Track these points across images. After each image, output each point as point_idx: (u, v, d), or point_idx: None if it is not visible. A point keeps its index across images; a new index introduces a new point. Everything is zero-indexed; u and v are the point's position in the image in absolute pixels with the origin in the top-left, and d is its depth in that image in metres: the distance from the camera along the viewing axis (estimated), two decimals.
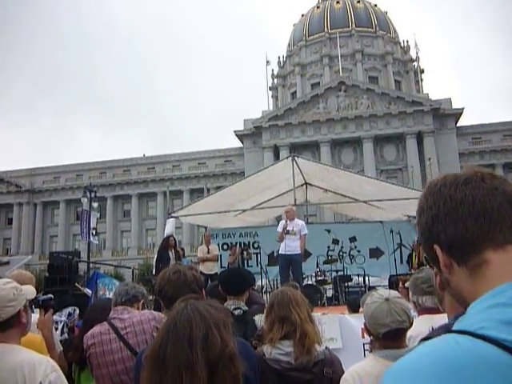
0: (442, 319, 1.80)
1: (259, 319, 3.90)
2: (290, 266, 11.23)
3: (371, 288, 11.43)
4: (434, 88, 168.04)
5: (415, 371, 0.81)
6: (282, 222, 11.44)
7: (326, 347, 3.16)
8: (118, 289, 3.61)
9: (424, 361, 0.82)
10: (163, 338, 1.53)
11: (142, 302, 3.52)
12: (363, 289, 12.89)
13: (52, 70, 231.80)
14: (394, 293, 2.82)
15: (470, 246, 0.97)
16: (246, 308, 3.89)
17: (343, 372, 2.94)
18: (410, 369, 0.83)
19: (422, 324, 2.95)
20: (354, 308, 7.35)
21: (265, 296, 10.61)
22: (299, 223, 11.54)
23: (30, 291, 2.77)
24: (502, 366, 0.76)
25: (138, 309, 3.43)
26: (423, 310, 3.34)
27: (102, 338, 3.16)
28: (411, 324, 2.70)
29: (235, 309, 3.66)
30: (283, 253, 11.22)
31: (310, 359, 2.94)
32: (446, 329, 1.61)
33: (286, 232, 11.13)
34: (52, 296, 3.68)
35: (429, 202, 1.03)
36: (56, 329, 4.40)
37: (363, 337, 5.29)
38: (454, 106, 63.10)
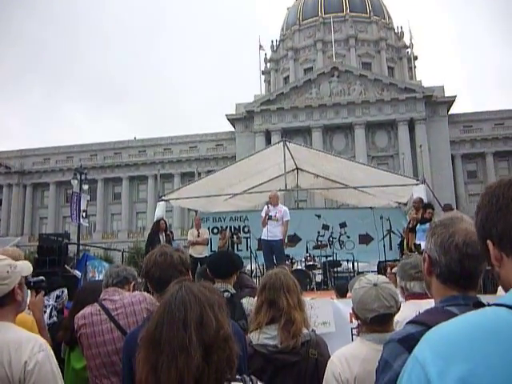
0: (428, 304, 1.82)
1: (247, 302, 3.93)
2: (272, 251, 11.29)
3: (360, 273, 11.52)
4: (427, 75, 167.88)
5: (451, 334, 0.90)
6: (265, 207, 11.47)
7: (313, 330, 3.20)
8: (108, 270, 3.62)
9: (461, 326, 0.91)
10: (158, 320, 1.54)
11: (132, 283, 3.54)
12: (352, 274, 12.98)
13: (39, 46, 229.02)
14: (382, 278, 2.84)
15: None
16: (233, 291, 3.92)
17: (329, 354, 2.98)
18: (447, 332, 0.91)
19: (409, 309, 2.98)
20: (342, 293, 7.42)
21: (254, 280, 10.66)
22: (282, 209, 11.52)
23: (26, 267, 2.64)
24: None
25: (128, 290, 3.45)
26: (411, 295, 3.38)
27: (93, 318, 3.17)
28: (399, 309, 2.73)
29: (223, 291, 3.69)
30: (265, 238, 11.31)
31: (296, 342, 2.97)
32: (434, 311, 1.65)
33: (268, 217, 11.18)
34: (43, 278, 3.68)
35: (484, 201, 1.13)
36: (44, 312, 4.40)
37: (351, 321, 5.34)
38: (446, 94, 63.15)
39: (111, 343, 3.09)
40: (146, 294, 3.32)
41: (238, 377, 1.62)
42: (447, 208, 12.15)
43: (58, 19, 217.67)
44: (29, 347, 2.23)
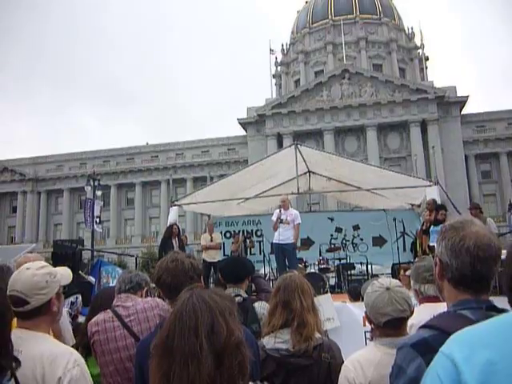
0: (443, 307, 1.81)
1: (259, 306, 3.93)
2: (284, 254, 11.34)
3: (374, 276, 11.47)
4: (439, 76, 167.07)
5: (477, 330, 0.95)
6: (276, 211, 11.55)
7: (326, 333, 3.19)
8: (121, 276, 3.63)
9: (487, 324, 0.96)
10: (170, 328, 1.56)
11: (145, 289, 3.55)
12: (366, 277, 12.93)
13: (48, 52, 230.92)
14: (394, 282, 2.82)
15: None
16: (245, 295, 3.92)
17: (341, 357, 2.97)
18: (474, 329, 0.96)
19: (423, 312, 2.96)
20: (355, 296, 7.39)
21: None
22: (293, 212, 11.64)
23: (66, 276, 2.48)
24: None
25: (141, 296, 3.46)
26: (425, 299, 3.35)
27: (106, 325, 3.19)
28: (412, 313, 2.72)
29: (235, 296, 3.69)
30: (276, 241, 11.41)
31: (309, 346, 2.96)
32: (446, 316, 1.63)
33: (280, 221, 11.24)
34: None
35: None
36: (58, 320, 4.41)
37: (364, 325, 5.31)
38: (459, 94, 62.73)
39: (124, 350, 3.10)
40: (158, 299, 3.33)
41: (250, 383, 1.62)
42: (473, 207, 12.16)
43: (63, 22, 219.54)
44: (63, 362, 2.14)
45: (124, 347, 3.11)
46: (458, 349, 0.92)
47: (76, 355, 2.25)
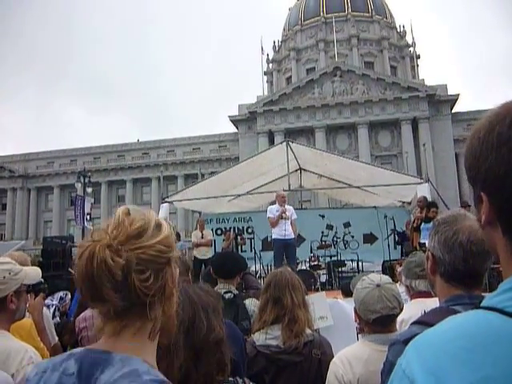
0: (434, 303, 1.79)
1: (250, 303, 3.90)
2: (286, 250, 11.25)
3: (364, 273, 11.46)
4: (430, 74, 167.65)
5: (440, 344, 0.80)
6: (276, 207, 11.43)
7: (316, 330, 3.17)
8: None
9: (450, 334, 0.81)
10: None
11: None
12: (356, 274, 12.92)
13: (35, 45, 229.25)
14: (385, 278, 2.80)
15: None
16: (236, 292, 3.89)
17: (332, 354, 2.95)
18: (435, 342, 0.82)
19: (414, 307, 2.95)
20: (347, 292, 7.39)
21: (259, 281, 10.63)
22: (290, 208, 11.67)
23: (32, 274, 2.42)
24: None
25: None
26: (416, 294, 3.34)
27: (94, 321, 3.14)
28: (401, 310, 2.70)
29: (226, 292, 3.66)
30: (281, 237, 11.14)
31: (299, 342, 2.94)
32: (439, 311, 1.61)
33: (283, 217, 11.15)
34: (43, 280, 3.65)
35: None
36: (48, 308, 4.36)
37: (356, 320, 5.31)
38: (450, 92, 62.99)
39: None
40: None
41: (230, 379, 1.60)
42: (464, 205, 12.25)
43: (49, 16, 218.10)
44: (17, 359, 2.09)
45: None
46: (423, 378, 0.78)
47: (32, 352, 2.19)
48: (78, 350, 1.22)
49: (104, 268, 1.10)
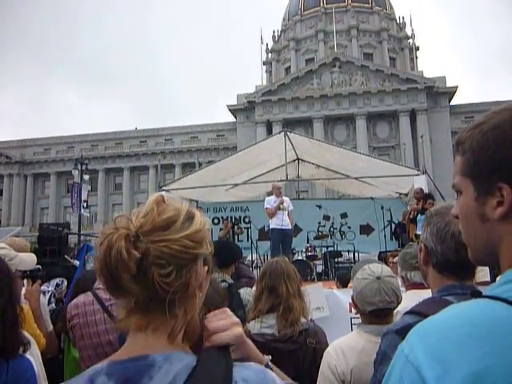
0: (429, 294, 1.81)
1: (245, 292, 3.91)
2: (283, 240, 11.34)
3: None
4: (429, 66, 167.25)
5: (444, 331, 0.79)
6: (274, 199, 11.52)
7: (311, 319, 3.19)
8: None
9: (454, 321, 0.81)
10: None
11: None
12: (353, 265, 12.96)
13: (33, 31, 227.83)
14: (386, 270, 2.78)
15: None
16: (231, 281, 3.90)
17: (327, 343, 2.96)
18: (439, 328, 0.81)
19: (409, 299, 2.95)
20: (344, 282, 7.42)
21: (255, 271, 10.66)
22: (287, 199, 11.79)
23: (27, 261, 2.43)
24: None
25: None
26: (411, 285, 3.36)
27: (86, 308, 3.13)
28: (399, 304, 2.69)
29: (221, 282, 3.67)
30: (279, 227, 11.33)
31: (294, 331, 2.96)
32: (431, 302, 1.63)
33: (281, 208, 11.25)
34: (40, 267, 3.65)
35: None
36: (43, 294, 4.36)
37: (350, 311, 5.34)
38: (448, 85, 62.89)
39: (104, 334, 3.06)
40: None
41: None
42: None
43: (50, 3, 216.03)
44: None
45: (104, 332, 3.07)
46: (429, 365, 0.76)
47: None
48: (100, 365, 1.16)
49: (120, 259, 1.05)
